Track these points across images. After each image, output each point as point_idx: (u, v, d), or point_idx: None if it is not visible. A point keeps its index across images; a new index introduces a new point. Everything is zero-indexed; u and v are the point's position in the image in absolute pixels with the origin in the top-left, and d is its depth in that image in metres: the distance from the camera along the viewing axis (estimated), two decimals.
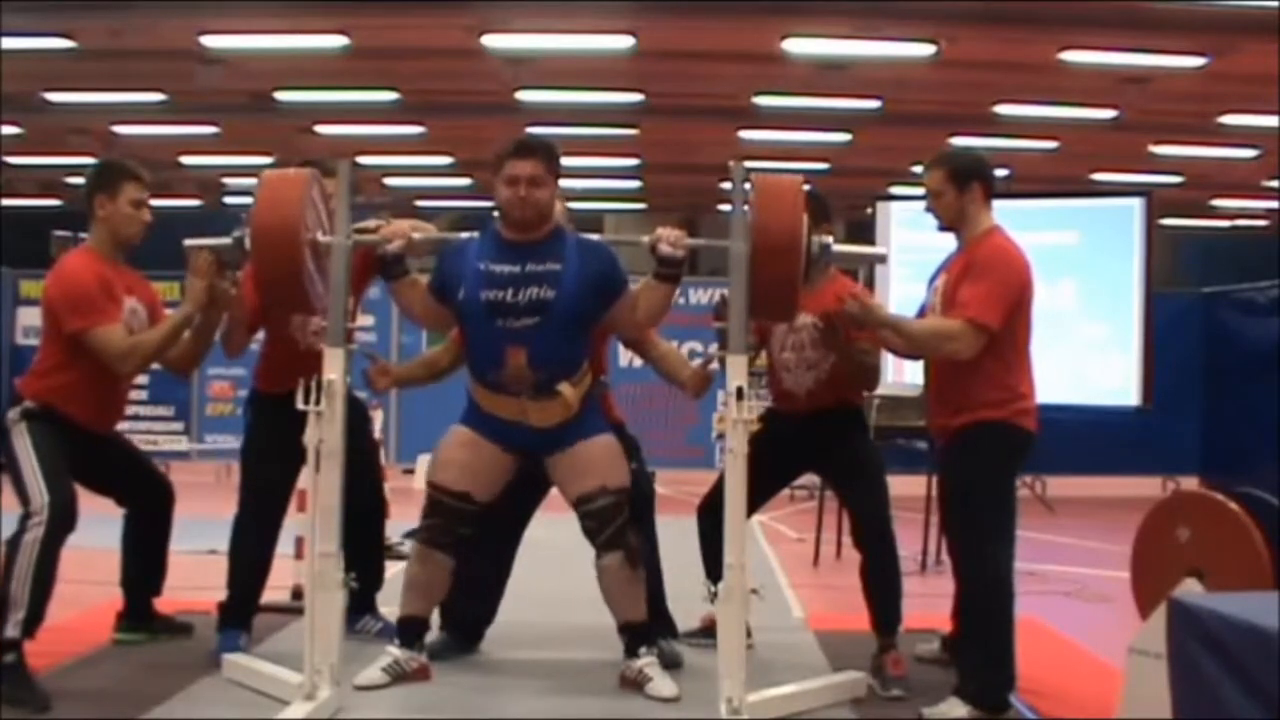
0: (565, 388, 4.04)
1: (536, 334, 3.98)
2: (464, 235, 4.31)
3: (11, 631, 3.82)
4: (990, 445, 3.94)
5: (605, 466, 4.09)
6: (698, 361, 4.43)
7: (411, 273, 4.16)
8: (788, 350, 4.41)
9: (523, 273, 4.01)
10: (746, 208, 3.83)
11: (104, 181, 4.30)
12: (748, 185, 3.87)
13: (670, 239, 3.98)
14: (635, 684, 4.04)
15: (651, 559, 4.38)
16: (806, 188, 4.01)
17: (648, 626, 4.18)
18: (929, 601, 4.86)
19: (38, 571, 3.86)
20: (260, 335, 4.53)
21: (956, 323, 3.88)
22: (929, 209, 4.13)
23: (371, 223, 4.42)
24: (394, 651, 4.12)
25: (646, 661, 4.08)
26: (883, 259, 4.32)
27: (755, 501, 4.28)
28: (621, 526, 4.04)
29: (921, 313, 4.21)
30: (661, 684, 4.01)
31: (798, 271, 3.83)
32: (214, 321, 4.27)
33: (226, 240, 4.05)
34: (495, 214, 4.20)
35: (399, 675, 4.08)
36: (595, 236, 4.37)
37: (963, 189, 4.04)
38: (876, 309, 4.12)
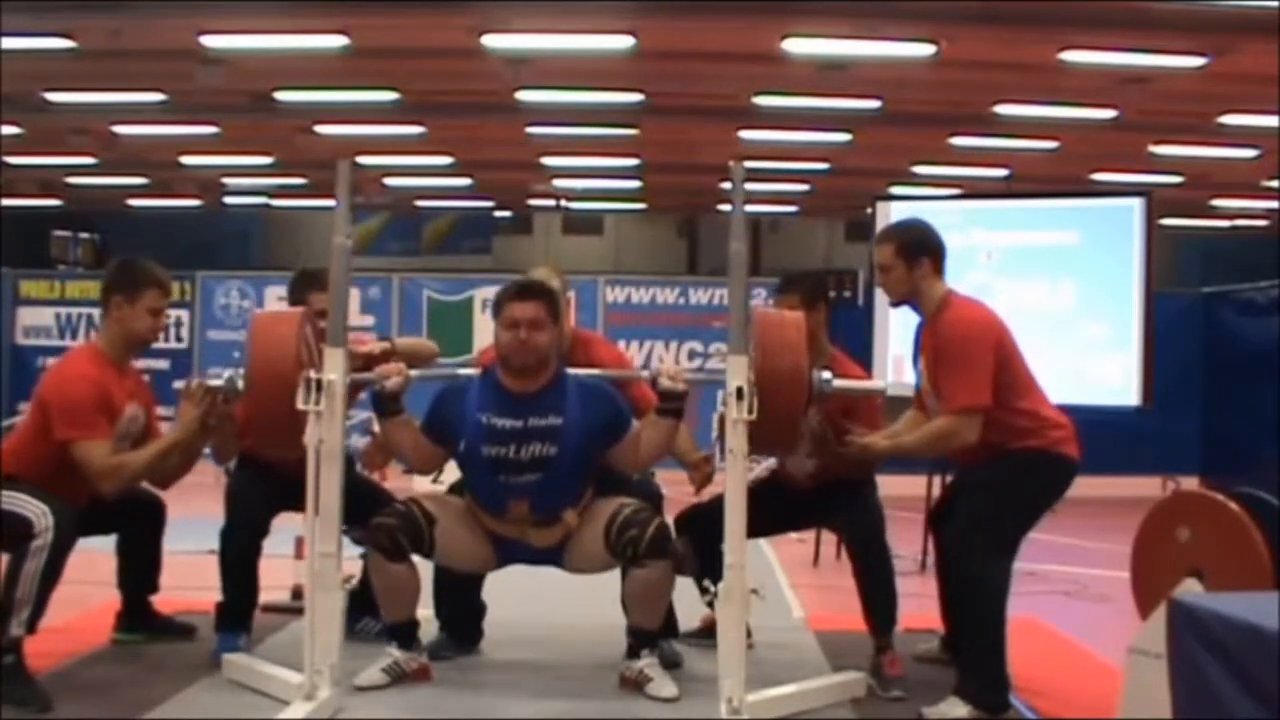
0: (568, 514, 4.09)
1: (539, 487, 4.03)
2: (462, 372, 4.32)
3: (17, 630, 3.82)
4: (1022, 467, 3.96)
5: (614, 501, 4.11)
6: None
7: (405, 412, 4.13)
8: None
9: (525, 428, 4.01)
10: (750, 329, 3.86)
11: (125, 283, 4.23)
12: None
13: (669, 373, 4.01)
14: (635, 684, 4.04)
15: None
16: (801, 273, 4.33)
17: (657, 633, 4.18)
18: (929, 602, 4.85)
19: (44, 577, 3.85)
20: None
21: (947, 421, 3.93)
22: (878, 284, 4.16)
23: (374, 345, 4.45)
24: (394, 653, 4.12)
25: (647, 662, 4.08)
26: (882, 392, 4.52)
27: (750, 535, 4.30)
28: (661, 530, 4.00)
29: (918, 392, 4.24)
30: (662, 684, 4.00)
31: (799, 410, 3.88)
32: (200, 446, 4.26)
33: (220, 381, 4.06)
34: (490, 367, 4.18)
35: (399, 676, 4.08)
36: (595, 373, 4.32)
37: (912, 265, 4.06)
38: (874, 446, 4.13)
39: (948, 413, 3.93)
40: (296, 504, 3.95)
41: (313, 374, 3.88)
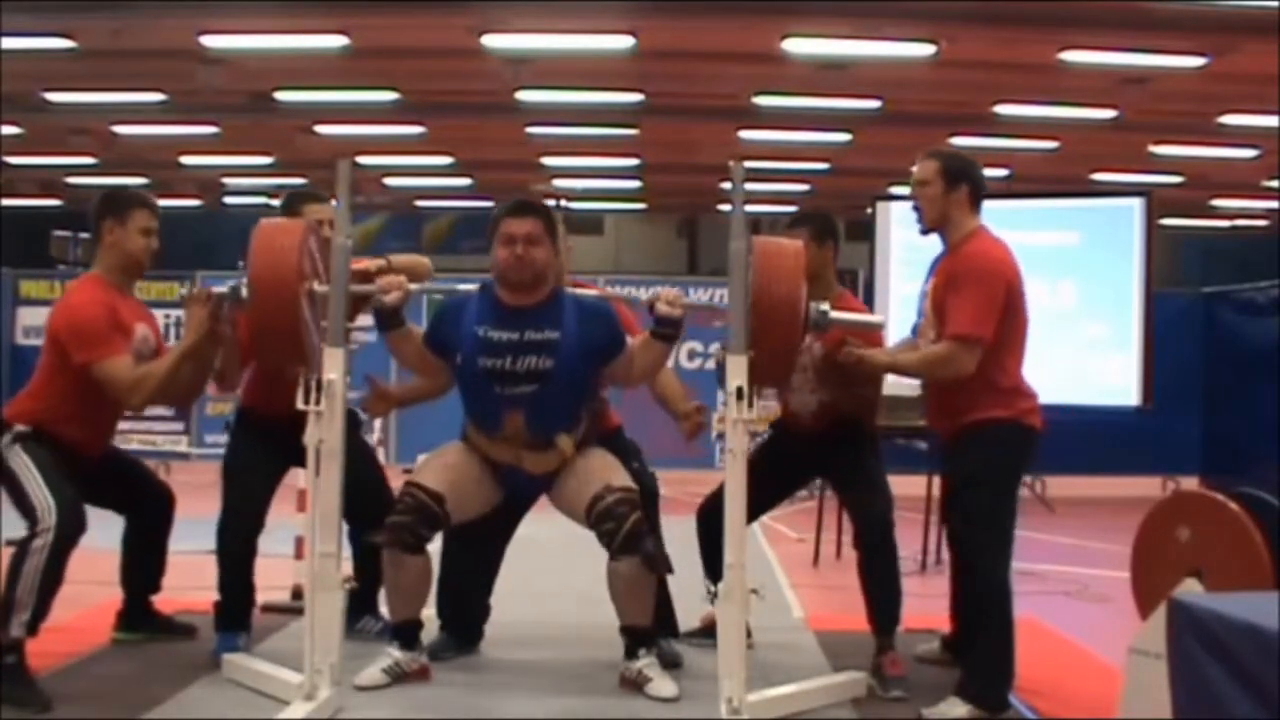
0: (563, 439, 4.09)
1: (535, 399, 4.01)
2: (461, 288, 4.28)
3: (16, 631, 3.82)
4: (998, 443, 3.95)
5: (604, 472, 4.10)
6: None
7: (407, 324, 4.12)
8: (794, 371, 4.34)
9: (521, 340, 4.00)
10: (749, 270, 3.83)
11: (114, 207, 4.26)
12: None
13: (668, 299, 4.00)
14: (635, 684, 4.03)
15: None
16: (812, 210, 4.06)
17: (651, 630, 4.17)
18: (929, 602, 4.86)
19: (44, 577, 3.85)
20: None
21: (946, 346, 3.91)
22: (911, 197, 4.12)
23: (370, 263, 4.42)
24: (394, 653, 4.11)
25: (646, 662, 4.08)
26: (880, 326, 4.49)
27: (757, 509, 4.30)
28: (637, 525, 3.99)
29: (917, 325, 4.23)
30: (661, 684, 4.00)
31: (796, 340, 3.89)
32: (212, 355, 4.25)
33: (224, 289, 4.05)
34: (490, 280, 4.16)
35: (399, 676, 4.07)
36: (593, 294, 4.31)
37: (951, 187, 4.03)
38: (871, 358, 4.12)
39: (949, 338, 3.91)
40: (301, 460, 3.93)
41: (316, 286, 3.90)
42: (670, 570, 4.11)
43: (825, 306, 3.93)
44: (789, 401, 4.48)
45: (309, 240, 3.95)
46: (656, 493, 4.49)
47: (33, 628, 3.87)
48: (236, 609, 4.45)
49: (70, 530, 3.90)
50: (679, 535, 4.51)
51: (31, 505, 3.91)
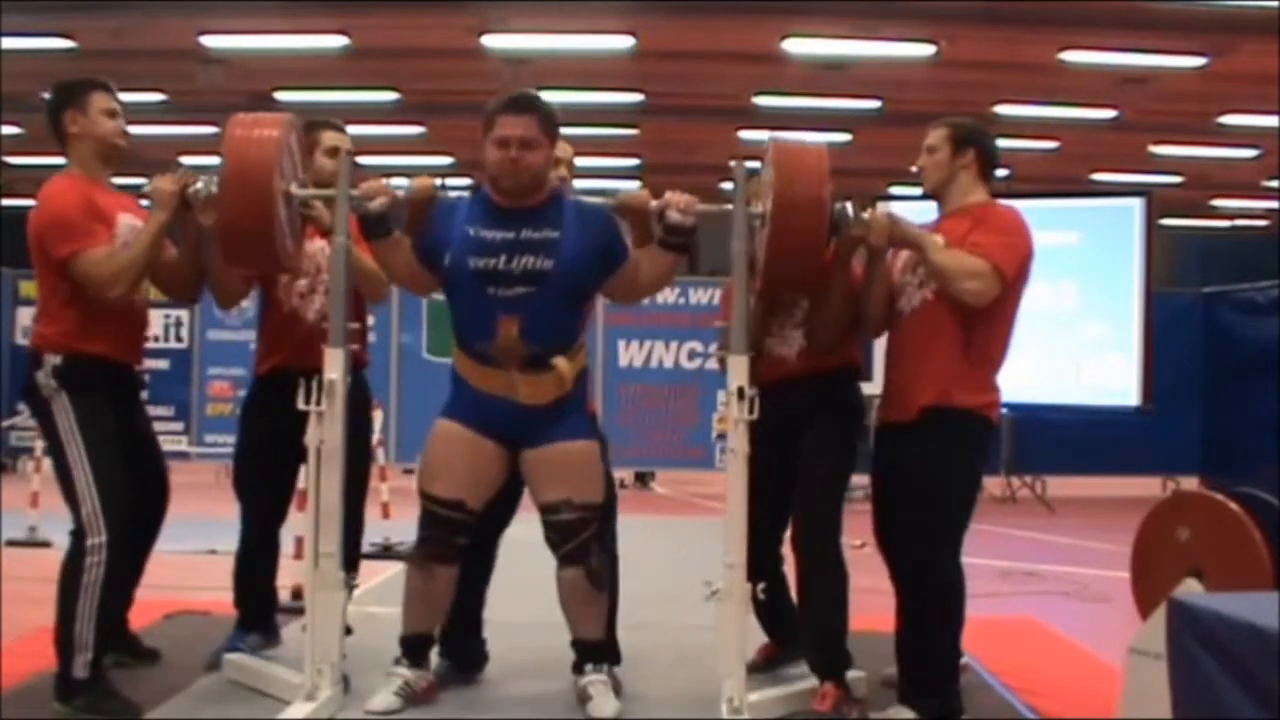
0: (560, 361, 3.78)
1: (531, 304, 3.72)
2: (452, 194, 3.97)
3: (80, 673, 3.69)
4: (963, 435, 3.76)
5: (578, 477, 3.86)
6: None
7: (395, 232, 3.86)
8: (780, 313, 4.08)
9: (517, 239, 3.74)
10: (767, 170, 3.68)
11: (69, 97, 3.88)
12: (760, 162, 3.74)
13: (680, 205, 3.79)
14: (579, 699, 3.87)
15: (610, 575, 4.10)
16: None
17: (602, 645, 4.00)
18: None
19: (100, 613, 3.71)
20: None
21: (983, 262, 3.64)
22: (919, 167, 3.94)
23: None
24: (403, 672, 3.92)
25: (590, 679, 3.90)
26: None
27: (779, 516, 4.03)
28: (585, 543, 3.84)
29: None
30: (602, 702, 3.82)
31: (819, 241, 3.66)
32: (195, 237, 3.94)
33: (197, 188, 3.77)
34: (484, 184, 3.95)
35: (410, 697, 3.88)
36: (596, 200, 4.01)
37: (958, 152, 3.85)
38: (905, 223, 3.82)
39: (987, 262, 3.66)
40: None
41: (294, 188, 3.76)
42: (604, 588, 3.94)
43: (849, 205, 3.73)
44: (772, 350, 4.07)
45: (289, 137, 3.75)
46: (614, 503, 4.18)
47: (95, 666, 3.72)
48: (247, 612, 4.38)
49: (119, 557, 3.76)
50: (678, 535, 4.51)
51: (79, 505, 3.71)
